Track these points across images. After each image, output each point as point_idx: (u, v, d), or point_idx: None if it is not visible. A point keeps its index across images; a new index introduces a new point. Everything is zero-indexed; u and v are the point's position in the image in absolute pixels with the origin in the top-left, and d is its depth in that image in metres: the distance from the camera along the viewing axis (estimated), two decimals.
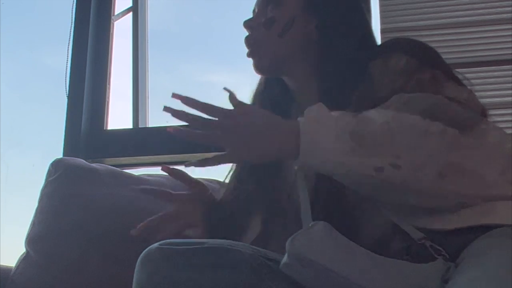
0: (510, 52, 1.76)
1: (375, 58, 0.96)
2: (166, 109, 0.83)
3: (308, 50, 1.05)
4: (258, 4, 1.12)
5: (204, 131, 0.85)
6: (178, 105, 0.85)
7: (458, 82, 0.94)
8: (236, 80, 2.33)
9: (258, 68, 1.09)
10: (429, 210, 0.84)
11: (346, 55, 0.98)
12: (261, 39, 1.07)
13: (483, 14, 1.82)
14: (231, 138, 0.84)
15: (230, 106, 0.86)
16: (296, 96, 1.11)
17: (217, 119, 0.84)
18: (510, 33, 1.77)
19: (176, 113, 0.84)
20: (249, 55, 1.09)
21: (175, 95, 0.84)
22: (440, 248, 0.79)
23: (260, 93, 1.14)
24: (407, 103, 0.85)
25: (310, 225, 0.80)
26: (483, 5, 1.83)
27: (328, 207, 0.90)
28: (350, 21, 1.04)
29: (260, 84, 1.15)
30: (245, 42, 1.09)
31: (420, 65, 0.92)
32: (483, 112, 0.92)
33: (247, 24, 1.09)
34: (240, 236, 1.04)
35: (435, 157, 0.80)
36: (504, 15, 1.79)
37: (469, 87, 0.94)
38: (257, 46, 1.08)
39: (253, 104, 1.13)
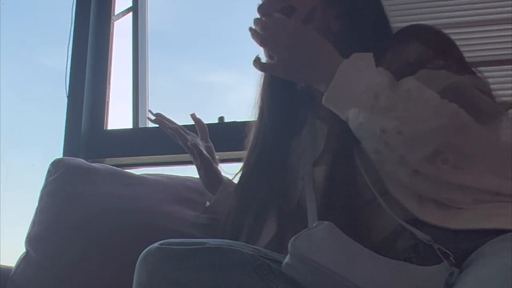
0: (510, 52, 1.76)
1: (392, 46, 0.96)
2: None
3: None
4: None
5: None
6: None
7: (474, 75, 0.94)
8: (236, 80, 2.33)
9: None
10: (441, 207, 0.84)
11: (364, 44, 0.98)
12: None
13: (483, 14, 1.82)
14: (283, 42, 0.92)
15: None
16: (314, 90, 1.09)
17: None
18: (510, 33, 1.77)
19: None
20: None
21: None
22: (449, 252, 0.78)
23: (266, 91, 1.12)
24: (432, 78, 0.87)
25: (314, 225, 0.80)
26: (483, 5, 1.83)
27: (341, 205, 0.90)
28: (368, 11, 1.03)
29: (264, 83, 1.13)
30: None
31: (434, 56, 0.93)
32: (505, 107, 0.92)
33: (263, 9, 1.06)
34: (254, 240, 1.02)
35: (438, 134, 0.81)
36: (504, 15, 1.79)
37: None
38: None
39: (261, 104, 1.13)
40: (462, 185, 0.82)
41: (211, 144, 1.32)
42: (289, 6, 1.04)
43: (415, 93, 0.84)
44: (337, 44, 0.99)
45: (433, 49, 0.94)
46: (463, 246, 0.79)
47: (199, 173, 1.29)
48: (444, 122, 0.81)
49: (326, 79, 0.89)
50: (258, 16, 1.05)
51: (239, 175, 1.15)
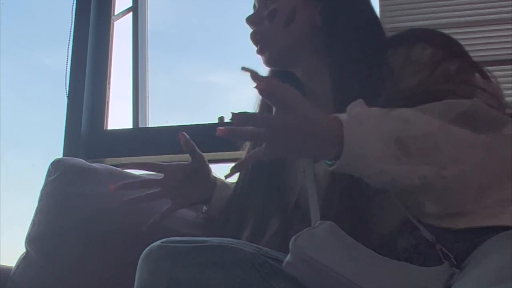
0: (510, 52, 1.76)
1: (392, 47, 0.94)
2: (244, 69, 0.80)
3: (315, 38, 1.03)
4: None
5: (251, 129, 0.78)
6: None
7: (484, 74, 0.92)
8: (235, 80, 2.33)
9: (269, 62, 1.07)
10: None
11: (353, 39, 0.97)
12: (267, 32, 1.06)
13: (483, 14, 1.83)
14: (277, 137, 0.77)
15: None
16: (308, 89, 1.09)
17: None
18: (510, 33, 1.78)
19: (253, 75, 0.79)
20: (259, 52, 1.07)
21: (244, 68, 0.80)
22: (449, 254, 0.78)
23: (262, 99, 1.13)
24: (445, 109, 0.83)
25: (316, 224, 0.80)
26: (483, 5, 1.84)
27: (342, 201, 0.90)
28: (353, 5, 1.03)
29: None
30: (251, 39, 1.08)
31: (446, 56, 0.91)
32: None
33: (250, 20, 1.08)
34: (258, 240, 1.01)
35: (479, 169, 0.79)
36: (504, 15, 1.79)
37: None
38: (264, 41, 1.06)
39: (260, 105, 1.13)
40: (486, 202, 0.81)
41: (201, 153, 1.29)
42: (272, 10, 1.06)
43: (441, 135, 0.79)
44: (325, 39, 1.00)
45: (442, 49, 0.92)
46: (463, 245, 0.79)
47: None
48: (482, 156, 0.79)
49: (330, 151, 0.79)
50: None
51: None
